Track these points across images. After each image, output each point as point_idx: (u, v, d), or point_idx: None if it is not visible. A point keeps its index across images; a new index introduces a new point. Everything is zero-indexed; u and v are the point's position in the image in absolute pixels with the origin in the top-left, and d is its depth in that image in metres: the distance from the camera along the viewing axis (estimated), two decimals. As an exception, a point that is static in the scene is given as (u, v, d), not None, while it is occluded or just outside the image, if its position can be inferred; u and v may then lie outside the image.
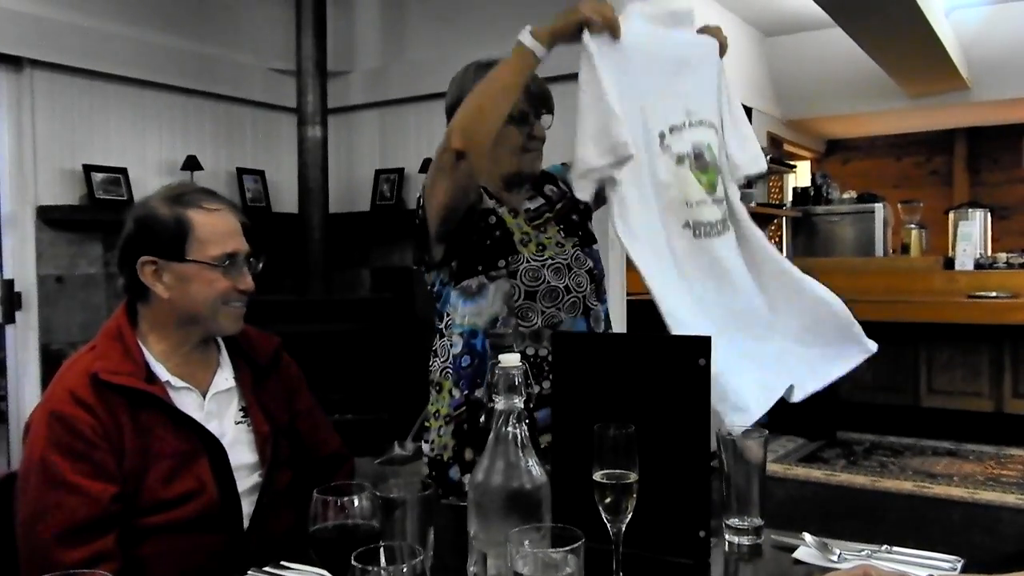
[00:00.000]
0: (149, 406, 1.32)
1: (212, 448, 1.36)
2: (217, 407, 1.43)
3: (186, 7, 3.78)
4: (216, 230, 1.40)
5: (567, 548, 0.77)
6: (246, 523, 1.39)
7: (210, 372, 1.45)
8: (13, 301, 3.24)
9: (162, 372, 1.38)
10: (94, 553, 1.21)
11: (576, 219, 1.77)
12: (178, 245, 1.38)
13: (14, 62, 3.17)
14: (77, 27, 3.30)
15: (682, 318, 1.43)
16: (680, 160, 1.52)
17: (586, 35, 1.42)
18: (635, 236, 1.46)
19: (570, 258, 1.69)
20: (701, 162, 1.54)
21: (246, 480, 1.41)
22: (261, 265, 1.48)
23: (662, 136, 1.51)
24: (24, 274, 3.25)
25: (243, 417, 1.45)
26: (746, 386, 1.41)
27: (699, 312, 1.47)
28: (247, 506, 1.39)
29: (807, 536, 1.19)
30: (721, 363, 1.29)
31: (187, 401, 1.39)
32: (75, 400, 1.28)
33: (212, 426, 1.39)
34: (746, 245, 1.61)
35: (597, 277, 1.73)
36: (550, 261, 1.65)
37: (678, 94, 1.54)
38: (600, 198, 1.77)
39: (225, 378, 1.46)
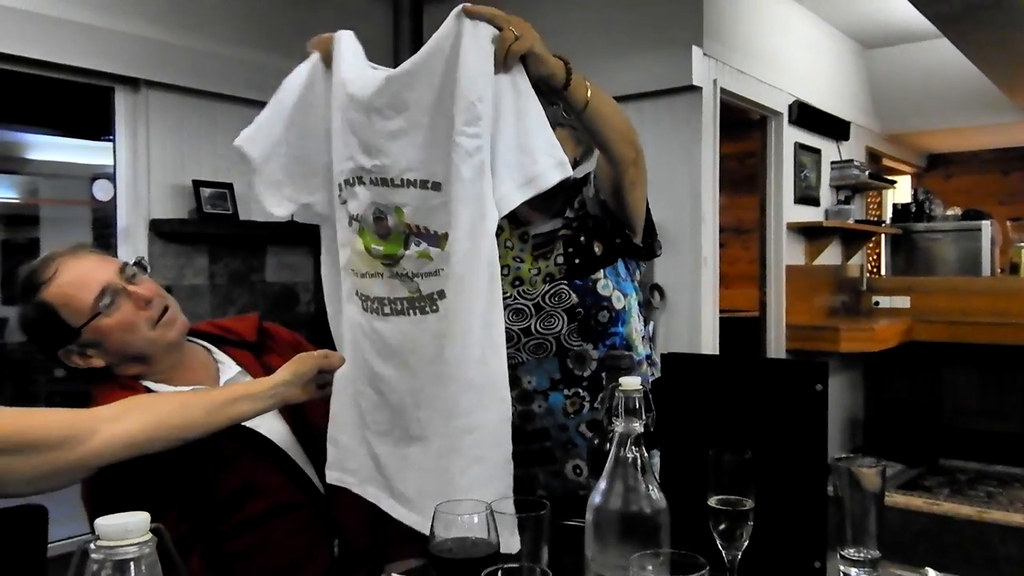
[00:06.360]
0: None
1: (244, 435, 1.34)
2: None
3: (291, 29, 3.90)
4: (71, 287, 1.32)
5: (692, 576, 0.75)
6: (321, 489, 1.40)
7: (212, 369, 1.47)
8: (126, 310, 3.40)
9: (168, 389, 1.38)
10: None
11: (584, 240, 1.58)
12: (61, 325, 1.32)
13: (132, 83, 3.34)
14: (190, 49, 3.46)
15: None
16: (352, 221, 1.30)
17: (314, 56, 1.35)
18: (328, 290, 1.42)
19: (542, 296, 1.56)
20: (381, 227, 1.27)
21: (295, 449, 1.41)
22: (143, 264, 1.40)
23: (340, 188, 1.32)
24: (137, 284, 3.40)
25: None
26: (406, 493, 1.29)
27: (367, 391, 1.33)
28: (310, 470, 1.40)
29: (931, 572, 1.14)
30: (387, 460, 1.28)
31: None
32: None
33: None
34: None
35: (581, 315, 1.55)
36: (511, 302, 1.55)
37: (350, 144, 1.28)
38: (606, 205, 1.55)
39: (229, 367, 1.48)
